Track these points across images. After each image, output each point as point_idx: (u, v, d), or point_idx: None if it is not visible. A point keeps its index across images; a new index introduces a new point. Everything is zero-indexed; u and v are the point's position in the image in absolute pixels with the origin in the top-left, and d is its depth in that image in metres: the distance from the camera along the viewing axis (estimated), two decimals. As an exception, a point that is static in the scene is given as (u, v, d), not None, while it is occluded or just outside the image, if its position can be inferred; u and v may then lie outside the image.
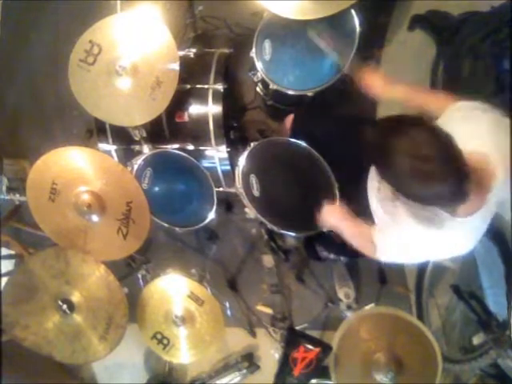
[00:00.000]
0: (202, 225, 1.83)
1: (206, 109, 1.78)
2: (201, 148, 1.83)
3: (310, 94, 1.78)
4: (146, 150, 1.79)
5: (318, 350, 1.79)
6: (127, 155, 1.85)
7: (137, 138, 1.75)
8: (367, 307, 1.95)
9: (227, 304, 2.22)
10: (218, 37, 2.24)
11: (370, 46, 2.12)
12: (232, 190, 1.90)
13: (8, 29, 2.50)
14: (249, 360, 2.26)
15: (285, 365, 1.83)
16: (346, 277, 2.15)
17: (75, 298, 1.60)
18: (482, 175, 1.07)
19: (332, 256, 2.05)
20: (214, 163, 1.86)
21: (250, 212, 1.66)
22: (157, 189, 1.78)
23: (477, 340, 1.88)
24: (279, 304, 2.26)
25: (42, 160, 1.57)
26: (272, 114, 2.24)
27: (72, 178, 1.59)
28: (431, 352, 1.59)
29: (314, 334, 2.07)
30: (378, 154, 1.06)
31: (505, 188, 1.12)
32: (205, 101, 1.79)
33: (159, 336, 1.80)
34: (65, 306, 1.58)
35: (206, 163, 1.85)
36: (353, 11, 1.70)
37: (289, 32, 1.78)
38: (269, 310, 2.26)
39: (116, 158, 1.88)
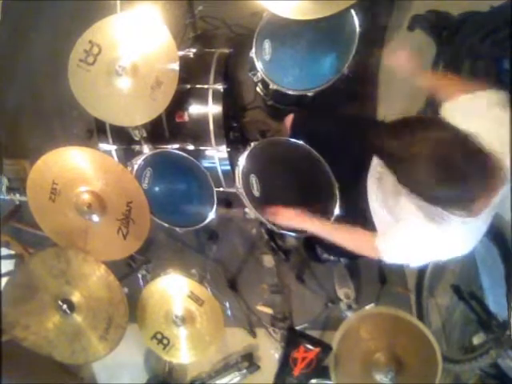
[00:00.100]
0: (202, 225, 1.82)
1: (206, 109, 1.78)
2: (201, 148, 1.82)
3: (310, 94, 1.78)
4: (146, 150, 1.79)
5: (317, 350, 1.79)
6: (127, 155, 1.85)
7: (137, 138, 1.75)
8: (367, 307, 1.95)
9: (227, 304, 2.22)
10: (217, 37, 2.24)
11: (370, 46, 2.12)
12: (232, 189, 1.90)
13: (8, 29, 2.50)
14: (249, 360, 2.26)
15: (285, 365, 1.84)
16: (346, 277, 2.15)
17: (75, 297, 1.60)
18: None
19: (332, 258, 2.05)
20: (214, 163, 1.85)
21: (250, 212, 1.66)
22: (157, 189, 1.78)
23: (477, 340, 1.88)
24: (279, 304, 2.26)
25: (42, 160, 1.58)
26: (272, 114, 2.24)
27: (72, 177, 1.59)
28: (431, 352, 1.59)
29: (314, 333, 2.07)
30: (397, 159, 1.01)
31: (505, 188, 1.10)
32: (205, 101, 1.78)
33: (159, 336, 1.80)
34: (65, 306, 1.58)
35: (206, 163, 1.85)
36: (353, 11, 1.70)
37: (288, 32, 1.77)
38: (269, 310, 2.26)
39: (116, 158, 1.88)
